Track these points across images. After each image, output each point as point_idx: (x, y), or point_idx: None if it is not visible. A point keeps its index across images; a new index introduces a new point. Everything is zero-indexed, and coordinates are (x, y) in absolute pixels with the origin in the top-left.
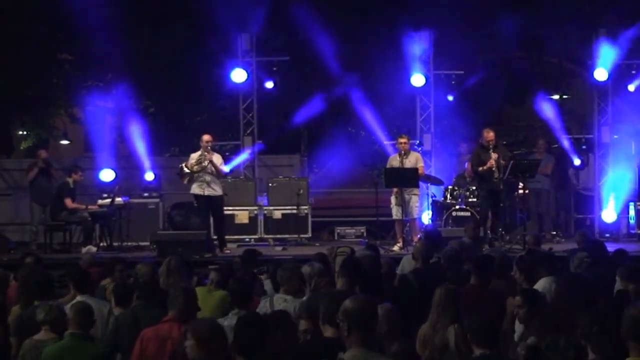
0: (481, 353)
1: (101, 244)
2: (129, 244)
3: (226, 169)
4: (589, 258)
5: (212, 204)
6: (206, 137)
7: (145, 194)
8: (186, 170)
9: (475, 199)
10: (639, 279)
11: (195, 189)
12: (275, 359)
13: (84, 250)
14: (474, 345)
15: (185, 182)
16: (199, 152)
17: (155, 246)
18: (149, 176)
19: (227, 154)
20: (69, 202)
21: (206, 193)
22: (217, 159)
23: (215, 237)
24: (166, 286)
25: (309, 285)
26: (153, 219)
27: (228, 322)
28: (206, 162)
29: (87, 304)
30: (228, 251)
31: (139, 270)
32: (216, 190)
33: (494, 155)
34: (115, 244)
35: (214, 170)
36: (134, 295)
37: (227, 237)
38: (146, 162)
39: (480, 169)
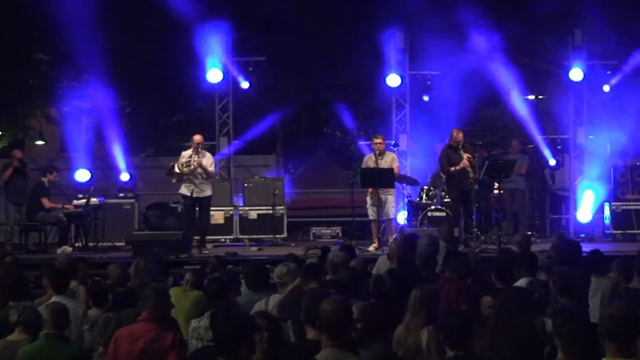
0: (455, 354)
1: (76, 245)
2: (105, 244)
3: (214, 169)
4: (548, 259)
5: (200, 205)
6: (197, 138)
7: (121, 194)
8: (176, 170)
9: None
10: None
11: (183, 189)
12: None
13: (59, 250)
14: (447, 347)
15: (174, 181)
16: (189, 151)
17: (130, 246)
18: (125, 176)
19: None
20: (46, 201)
21: (194, 194)
22: (207, 160)
23: (196, 237)
24: (135, 286)
25: (281, 286)
26: (128, 219)
27: (203, 322)
28: (195, 165)
29: (63, 305)
30: (206, 251)
31: (111, 272)
32: (205, 191)
33: (465, 156)
34: (90, 244)
35: (203, 173)
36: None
37: None
38: (122, 162)
39: (453, 169)
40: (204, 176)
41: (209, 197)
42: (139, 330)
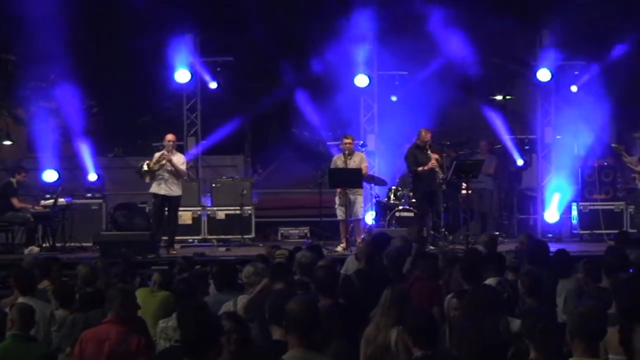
0: (422, 353)
1: (44, 245)
2: (72, 244)
3: (185, 168)
4: (516, 259)
5: (169, 204)
6: (169, 137)
7: (89, 195)
8: (145, 168)
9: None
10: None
11: (154, 187)
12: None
13: (26, 251)
14: (415, 346)
15: (147, 180)
16: (162, 152)
17: (98, 247)
18: (92, 177)
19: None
20: (16, 201)
21: (162, 192)
22: (178, 159)
23: (165, 237)
24: (102, 287)
25: (250, 286)
26: (96, 219)
27: (171, 323)
28: (164, 161)
29: (29, 305)
30: (175, 252)
31: (79, 272)
32: (173, 190)
33: (434, 156)
34: (58, 244)
35: (173, 169)
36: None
37: None
38: (89, 162)
39: (421, 168)
40: (174, 173)
41: (179, 197)
42: (104, 333)
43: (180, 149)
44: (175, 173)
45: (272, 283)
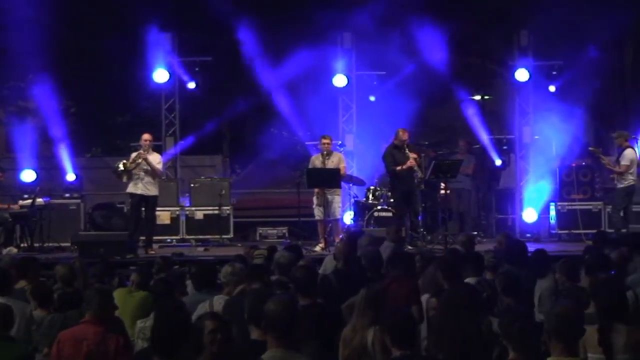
0: (401, 353)
1: (22, 245)
2: (50, 244)
3: (161, 168)
4: (494, 259)
5: (145, 204)
6: (145, 136)
7: (67, 195)
8: (122, 168)
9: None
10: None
11: (130, 187)
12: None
13: (4, 251)
14: (393, 346)
15: (124, 180)
16: (139, 151)
17: (76, 247)
18: (71, 177)
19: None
20: None
21: (139, 192)
22: (154, 158)
23: (143, 237)
24: (80, 287)
25: (226, 286)
26: (74, 219)
27: (149, 323)
28: (140, 160)
29: (7, 305)
30: (153, 252)
31: (57, 271)
32: (150, 189)
33: (412, 155)
34: (36, 244)
35: (149, 169)
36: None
37: None
38: (68, 162)
39: (399, 168)
40: (150, 173)
41: (155, 197)
42: (82, 333)
43: (159, 149)
44: (152, 173)
45: (250, 284)
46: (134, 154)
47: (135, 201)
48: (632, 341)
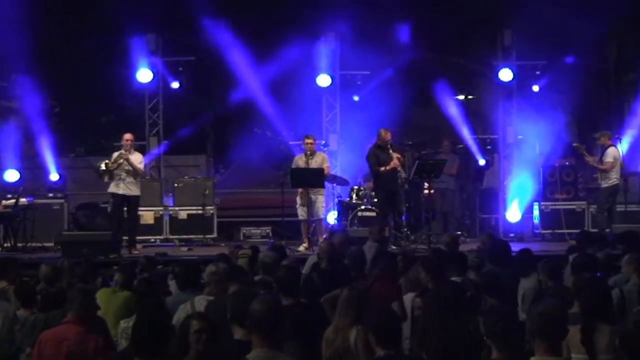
0: (385, 353)
1: (5, 245)
2: (34, 244)
3: (143, 167)
4: (478, 259)
5: (128, 203)
6: (127, 136)
7: (50, 195)
8: (104, 167)
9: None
10: (558, 277)
11: (112, 187)
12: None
13: None
14: (377, 346)
15: (106, 180)
16: (121, 151)
17: (59, 247)
18: (54, 177)
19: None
20: None
21: (121, 192)
22: (136, 158)
23: (126, 237)
24: (63, 286)
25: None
26: (58, 219)
27: (133, 323)
28: (122, 160)
29: None
30: (136, 252)
31: (41, 271)
32: (132, 189)
33: (396, 155)
34: (19, 244)
35: (131, 169)
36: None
37: None
38: (51, 162)
39: (383, 168)
40: (132, 172)
41: (137, 197)
42: (63, 333)
43: (143, 149)
44: (134, 172)
45: (228, 285)
46: (115, 154)
47: (117, 201)
48: (615, 341)
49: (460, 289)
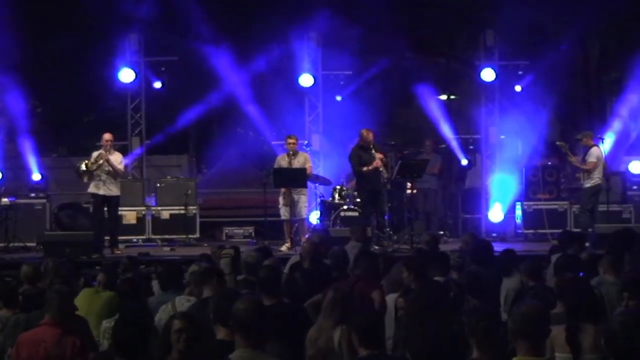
0: (368, 353)
1: None
2: (16, 244)
3: (123, 167)
4: (461, 259)
5: (108, 204)
6: (106, 136)
7: (32, 195)
8: (84, 168)
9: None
10: (539, 277)
11: (92, 187)
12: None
13: None
14: (360, 346)
15: (85, 180)
16: (100, 151)
17: (41, 247)
18: (36, 176)
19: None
20: None
21: (101, 192)
22: (115, 158)
23: (107, 237)
24: (46, 287)
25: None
26: (40, 219)
27: (114, 323)
28: (102, 160)
29: None
30: (119, 252)
31: (22, 271)
32: (112, 190)
33: (378, 155)
34: (1, 244)
35: (111, 169)
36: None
37: None
38: (33, 162)
39: (366, 168)
40: (112, 173)
41: (118, 197)
42: (40, 335)
43: (125, 149)
44: (114, 173)
45: (201, 287)
46: (95, 154)
47: (97, 202)
48: (600, 341)
49: (443, 288)
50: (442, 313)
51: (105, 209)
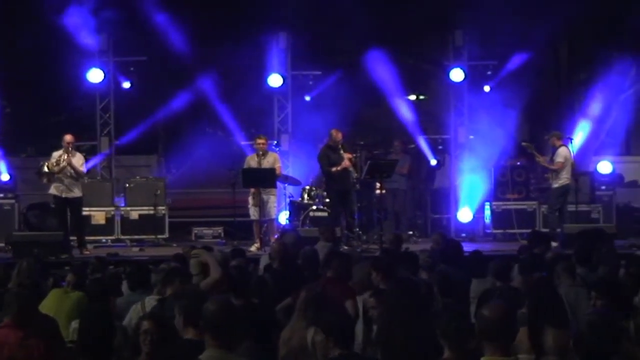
0: (339, 353)
1: None
2: None
3: (85, 169)
4: (430, 258)
5: (71, 206)
6: (67, 138)
7: (1, 195)
8: (45, 169)
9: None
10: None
11: (54, 190)
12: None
13: None
14: (332, 346)
15: (45, 181)
16: (60, 152)
17: (10, 247)
18: (5, 177)
19: (84, 154)
20: None
21: (64, 195)
22: (77, 159)
23: (74, 238)
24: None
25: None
26: (8, 219)
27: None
28: (64, 164)
29: None
30: (88, 252)
31: None
32: (75, 192)
33: (347, 155)
34: None
35: (73, 172)
36: None
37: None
38: (2, 162)
39: (334, 169)
40: (74, 176)
41: (79, 198)
42: (3, 337)
43: (94, 149)
44: (75, 175)
45: (164, 288)
46: (55, 154)
47: (59, 203)
48: (559, 344)
49: (418, 283)
50: (419, 310)
51: (69, 211)
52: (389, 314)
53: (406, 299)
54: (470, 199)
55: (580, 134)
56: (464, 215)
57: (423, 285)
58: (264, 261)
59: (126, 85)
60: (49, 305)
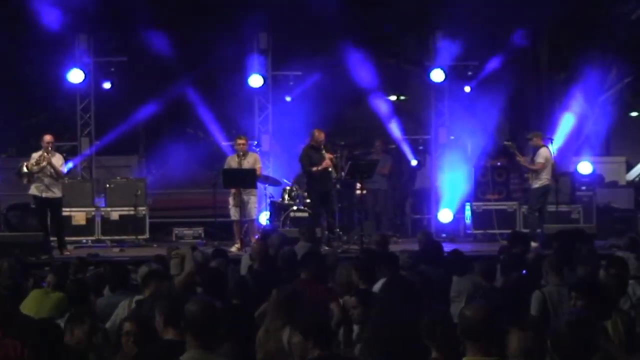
0: (319, 354)
1: None
2: None
3: (65, 169)
4: (411, 259)
5: (51, 206)
6: (47, 138)
7: None
8: (25, 170)
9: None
10: (491, 277)
11: (34, 190)
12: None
13: None
14: (312, 346)
15: (25, 182)
16: (40, 152)
17: None
18: None
19: (64, 154)
20: None
21: (44, 195)
22: (57, 160)
23: (54, 239)
24: None
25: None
26: None
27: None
28: (44, 163)
29: None
30: (68, 253)
31: None
32: (55, 192)
33: (328, 156)
34: None
35: (53, 172)
36: None
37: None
38: None
39: (315, 169)
40: (54, 176)
41: (59, 198)
42: None
43: (74, 150)
44: (55, 175)
45: (143, 290)
46: (35, 155)
47: (39, 204)
48: (523, 346)
49: (408, 279)
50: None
51: (49, 211)
52: (379, 313)
53: (399, 297)
54: (450, 199)
55: (560, 134)
56: (445, 215)
57: (417, 283)
58: (245, 262)
59: (107, 85)
60: (29, 305)
